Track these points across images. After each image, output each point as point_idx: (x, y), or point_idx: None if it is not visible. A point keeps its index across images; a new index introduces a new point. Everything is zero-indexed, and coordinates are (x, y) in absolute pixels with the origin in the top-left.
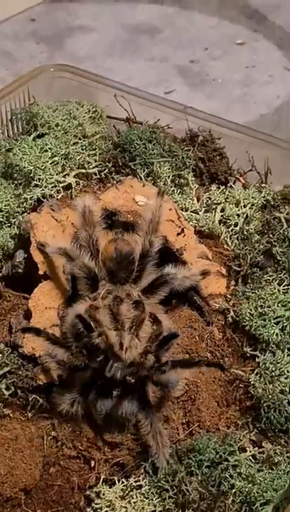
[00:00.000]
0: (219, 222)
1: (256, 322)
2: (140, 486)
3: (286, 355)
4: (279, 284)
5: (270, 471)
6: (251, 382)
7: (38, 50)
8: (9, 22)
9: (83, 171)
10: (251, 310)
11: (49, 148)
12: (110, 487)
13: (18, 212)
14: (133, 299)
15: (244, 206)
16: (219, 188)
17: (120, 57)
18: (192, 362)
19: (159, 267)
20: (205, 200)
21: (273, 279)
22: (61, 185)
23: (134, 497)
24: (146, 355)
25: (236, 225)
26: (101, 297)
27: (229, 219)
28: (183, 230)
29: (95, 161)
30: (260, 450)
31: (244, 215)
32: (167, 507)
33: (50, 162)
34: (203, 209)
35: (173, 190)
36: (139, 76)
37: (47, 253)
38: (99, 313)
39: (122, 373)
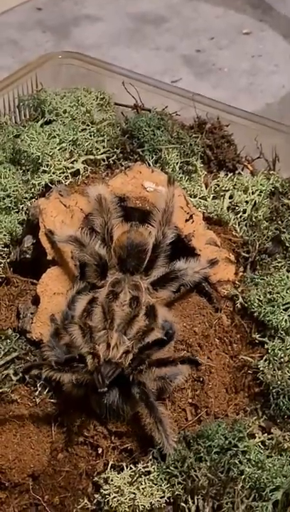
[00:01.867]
0: (228, 208)
1: (264, 308)
2: (148, 472)
3: None
4: (288, 271)
5: (279, 457)
6: (260, 369)
7: (44, 39)
8: (15, 11)
9: (91, 157)
10: (259, 296)
11: (57, 134)
12: (118, 473)
13: (26, 198)
14: (132, 294)
15: (253, 193)
16: (227, 175)
17: (126, 46)
18: (167, 361)
19: (171, 259)
20: (213, 187)
21: (281, 266)
22: (69, 171)
23: (143, 483)
24: (126, 354)
25: (244, 211)
26: (108, 285)
27: (237, 206)
28: (191, 216)
29: (103, 147)
30: (269, 436)
31: (253, 202)
32: (176, 493)
33: (58, 148)
34: (211, 196)
35: (181, 177)
36: (145, 65)
37: (57, 242)
38: (93, 314)
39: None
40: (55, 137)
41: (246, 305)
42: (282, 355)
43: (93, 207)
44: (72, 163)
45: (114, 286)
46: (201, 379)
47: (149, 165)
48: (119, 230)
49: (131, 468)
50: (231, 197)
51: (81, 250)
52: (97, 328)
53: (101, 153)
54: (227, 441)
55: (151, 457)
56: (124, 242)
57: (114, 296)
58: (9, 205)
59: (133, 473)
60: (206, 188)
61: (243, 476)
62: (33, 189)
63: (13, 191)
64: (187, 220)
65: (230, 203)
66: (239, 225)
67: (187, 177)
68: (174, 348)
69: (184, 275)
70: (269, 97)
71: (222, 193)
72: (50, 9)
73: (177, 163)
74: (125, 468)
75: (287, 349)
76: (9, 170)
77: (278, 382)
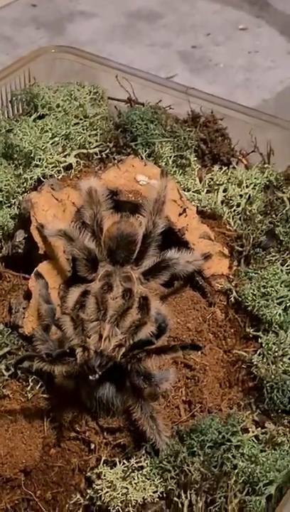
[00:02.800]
0: (222, 202)
1: (259, 302)
2: (141, 467)
3: (289, 336)
4: (282, 264)
5: (273, 451)
6: (254, 363)
7: (38, 36)
8: (9, 8)
9: (84, 151)
10: (253, 290)
11: (49, 128)
12: (111, 468)
13: (18, 192)
14: (124, 286)
15: (247, 187)
16: (221, 168)
17: (121, 42)
18: (167, 348)
19: (162, 249)
20: (207, 181)
21: (276, 260)
22: (62, 165)
23: (136, 478)
24: (119, 348)
25: (238, 205)
26: (98, 279)
27: (231, 199)
28: (185, 210)
29: (96, 141)
30: (263, 431)
31: (247, 196)
32: (169, 487)
33: (50, 142)
34: (205, 189)
35: (175, 171)
36: (140, 61)
37: (47, 236)
38: (86, 305)
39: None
40: (47, 131)
41: (240, 299)
42: (276, 349)
43: (84, 199)
44: (64, 157)
45: (106, 279)
46: (196, 377)
47: (142, 158)
48: (109, 222)
49: (123, 463)
50: (225, 191)
51: (70, 245)
52: (90, 319)
53: (94, 147)
54: (220, 436)
55: (143, 452)
56: (113, 233)
57: (108, 288)
58: (1, 199)
59: (126, 469)
60: (200, 182)
61: (236, 471)
62: (25, 183)
63: (5, 185)
64: (180, 214)
65: (224, 196)
66: (233, 218)
67: (180, 171)
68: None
69: (176, 264)
70: (266, 92)
71: (216, 187)
72: (44, 5)
73: (170, 156)
74: (118, 463)
75: (281, 343)
76: (1, 164)
77: (272, 377)
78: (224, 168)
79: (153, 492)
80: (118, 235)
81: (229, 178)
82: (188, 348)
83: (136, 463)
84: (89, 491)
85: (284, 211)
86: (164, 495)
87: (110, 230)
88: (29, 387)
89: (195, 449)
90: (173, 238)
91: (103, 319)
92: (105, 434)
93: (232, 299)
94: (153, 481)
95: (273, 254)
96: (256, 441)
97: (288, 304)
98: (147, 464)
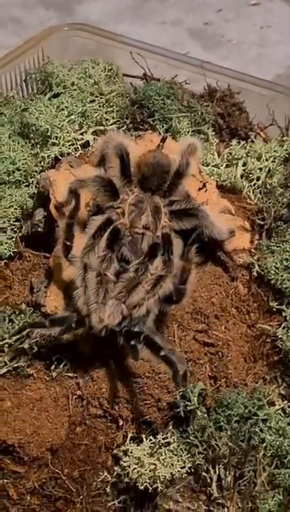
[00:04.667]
0: (241, 176)
1: (282, 276)
2: (168, 443)
3: None
4: None
5: None
6: (279, 336)
7: (48, 17)
8: None
9: (101, 127)
10: (276, 264)
11: (65, 106)
12: (138, 445)
13: (35, 171)
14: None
15: (266, 160)
16: (239, 142)
17: (131, 22)
18: (158, 352)
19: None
20: (225, 156)
21: None
22: (79, 142)
23: (163, 454)
24: (139, 307)
25: (258, 179)
26: (129, 203)
27: (251, 173)
28: (204, 184)
29: (113, 118)
30: None
31: (267, 169)
32: (197, 462)
33: (66, 120)
34: (224, 164)
35: None
36: (152, 39)
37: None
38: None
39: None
40: (63, 109)
41: (262, 273)
42: None
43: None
44: (81, 134)
45: (136, 206)
46: (220, 353)
47: (160, 133)
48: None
49: (150, 440)
50: (244, 164)
51: (82, 186)
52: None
53: (111, 124)
54: (246, 410)
55: (170, 427)
56: (149, 160)
57: (109, 262)
58: (19, 178)
59: (153, 445)
60: (219, 157)
61: (264, 444)
62: (42, 162)
63: (23, 164)
64: (200, 189)
65: (244, 170)
66: (253, 192)
67: None
68: (191, 317)
69: (204, 218)
70: (279, 67)
71: (235, 161)
72: None
73: (188, 131)
74: (144, 439)
75: None
76: (18, 143)
77: None
78: (243, 142)
79: (181, 467)
80: (154, 162)
81: (248, 152)
82: (172, 370)
83: (163, 439)
84: (116, 468)
85: None
86: (192, 470)
87: (146, 156)
88: (53, 366)
89: (222, 423)
90: None
91: (103, 302)
92: (132, 406)
93: (254, 273)
94: (181, 456)
95: None
96: (283, 414)
97: None
98: (174, 439)
